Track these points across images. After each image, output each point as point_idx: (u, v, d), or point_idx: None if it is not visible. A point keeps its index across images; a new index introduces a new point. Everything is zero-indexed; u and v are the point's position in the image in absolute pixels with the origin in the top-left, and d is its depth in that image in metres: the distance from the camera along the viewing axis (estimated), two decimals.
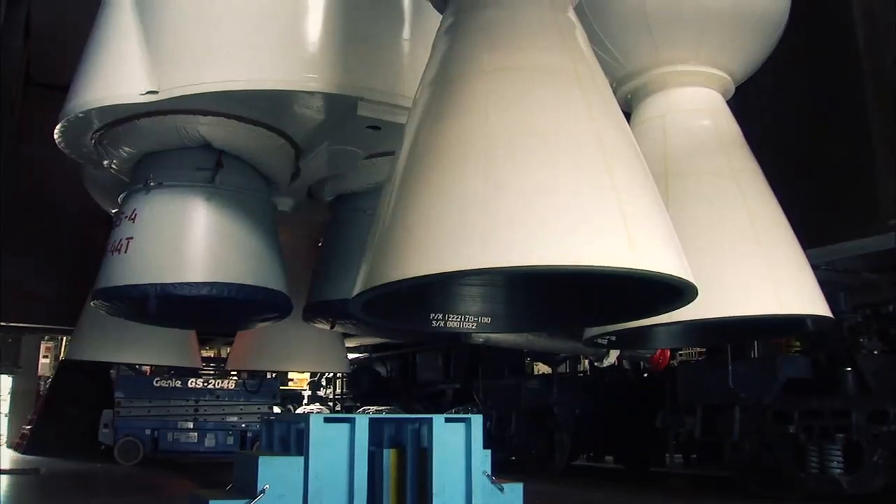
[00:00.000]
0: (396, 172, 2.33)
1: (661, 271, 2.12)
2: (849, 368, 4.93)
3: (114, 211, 4.76)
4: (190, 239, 4.01)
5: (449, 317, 2.78)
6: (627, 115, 3.77)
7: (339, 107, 3.61)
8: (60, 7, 7.94)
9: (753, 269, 3.26)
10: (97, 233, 6.10)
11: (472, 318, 2.85)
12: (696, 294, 2.32)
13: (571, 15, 2.62)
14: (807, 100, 4.79)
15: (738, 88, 3.89)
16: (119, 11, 3.92)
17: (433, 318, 2.78)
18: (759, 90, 4.27)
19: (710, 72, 3.65)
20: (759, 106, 4.63)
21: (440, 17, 2.74)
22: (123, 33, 3.83)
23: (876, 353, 4.93)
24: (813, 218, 4.20)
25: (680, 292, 2.31)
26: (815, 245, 4.05)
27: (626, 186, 2.21)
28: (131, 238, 4.07)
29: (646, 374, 7.53)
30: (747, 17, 3.67)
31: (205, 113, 3.86)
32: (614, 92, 3.72)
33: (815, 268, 3.60)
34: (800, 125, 4.79)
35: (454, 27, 2.53)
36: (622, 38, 3.65)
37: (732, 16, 3.61)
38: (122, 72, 3.75)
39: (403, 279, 2.04)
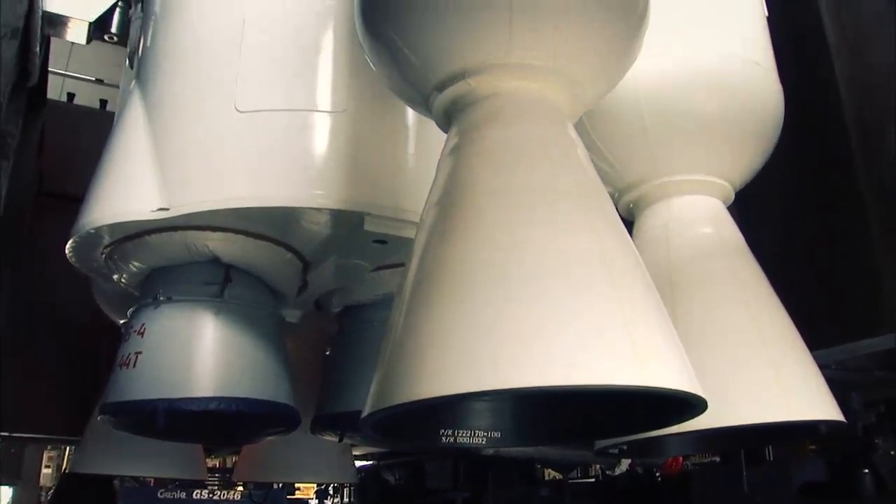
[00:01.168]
0: (405, 293, 2.36)
1: (669, 387, 2.12)
2: (865, 470, 4.87)
3: (121, 322, 4.80)
4: (198, 354, 4.02)
5: (459, 432, 2.77)
6: (630, 224, 3.86)
7: (346, 222, 3.67)
8: (73, 121, 8.22)
9: (762, 375, 3.25)
10: (103, 343, 6.13)
11: (481, 433, 2.84)
12: (706, 407, 2.32)
13: (572, 132, 2.71)
14: (804, 202, 4.88)
15: (737, 193, 3.99)
16: (132, 130, 4.05)
17: (443, 434, 2.77)
18: (758, 194, 4.33)
19: (710, 180, 3.74)
20: (759, 209, 4.70)
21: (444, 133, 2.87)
22: (136, 151, 3.95)
23: (893, 453, 4.89)
24: (818, 320, 4.22)
25: (689, 405, 2.31)
26: (822, 346, 4.06)
27: (630, 303, 2.23)
28: (140, 352, 4.08)
29: (659, 479, 7.44)
30: (744, 125, 3.79)
31: (214, 229, 3.93)
32: (616, 201, 3.82)
33: (824, 367, 3.60)
34: (799, 227, 4.87)
35: (458, 148, 2.61)
36: (621, 149, 3.76)
37: (729, 125, 3.73)
38: (133, 189, 3.85)
39: (414, 401, 2.05)
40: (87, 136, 7.23)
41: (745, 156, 3.88)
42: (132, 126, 4.06)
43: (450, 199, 2.49)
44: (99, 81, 9.46)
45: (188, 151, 3.77)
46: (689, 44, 3.69)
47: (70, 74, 9.32)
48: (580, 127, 2.99)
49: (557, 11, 2.65)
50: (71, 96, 9.04)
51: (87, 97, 9.14)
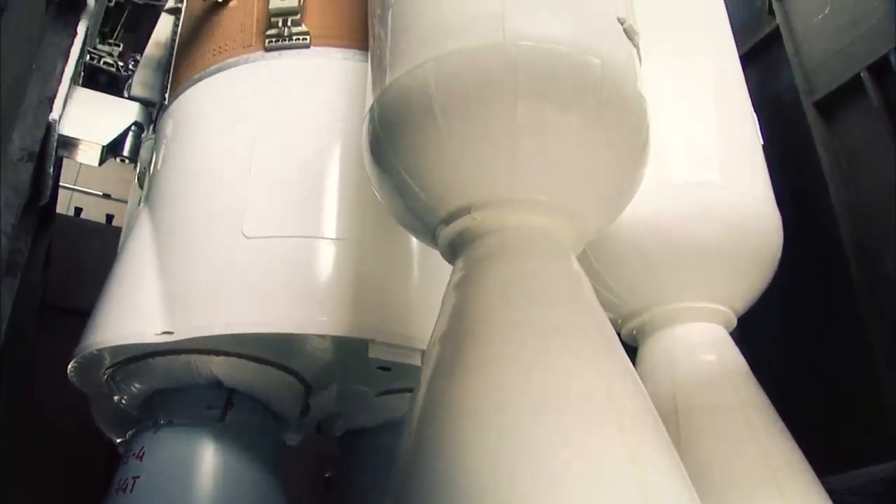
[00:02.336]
0: (411, 430, 2.35)
1: None
2: None
3: (119, 440, 4.73)
4: (197, 481, 3.94)
5: None
6: (634, 350, 3.87)
7: (350, 348, 3.67)
8: (79, 236, 8.29)
9: None
10: (101, 461, 6.00)
11: None
12: None
13: (576, 266, 2.75)
14: (805, 327, 4.89)
15: (739, 318, 4.02)
16: (139, 252, 4.10)
17: None
18: (757, 319, 4.35)
19: (711, 307, 3.78)
20: (760, 334, 4.70)
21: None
22: (142, 274, 3.98)
23: None
24: (826, 446, 4.17)
25: None
26: (832, 473, 4.00)
27: (637, 438, 2.22)
28: (138, 477, 4.00)
29: None
30: (743, 253, 3.85)
31: (217, 353, 3.92)
32: (619, 328, 3.84)
33: (835, 493, 3.54)
34: (801, 352, 4.87)
35: (464, 282, 2.64)
36: (623, 276, 3.81)
37: (729, 253, 3.80)
38: (138, 312, 3.86)
39: None
40: (93, 251, 7.30)
41: (745, 282, 3.93)
42: (139, 248, 4.11)
43: (456, 334, 2.51)
44: (106, 196, 9.61)
45: (194, 276, 3.80)
46: (688, 174, 3.79)
47: (78, 189, 9.48)
48: (582, 253, 3.03)
49: (561, 149, 2.74)
50: (78, 211, 9.17)
51: (94, 211, 9.27)
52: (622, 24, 2.97)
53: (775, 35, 5.26)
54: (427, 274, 3.75)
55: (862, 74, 4.50)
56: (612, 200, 3.04)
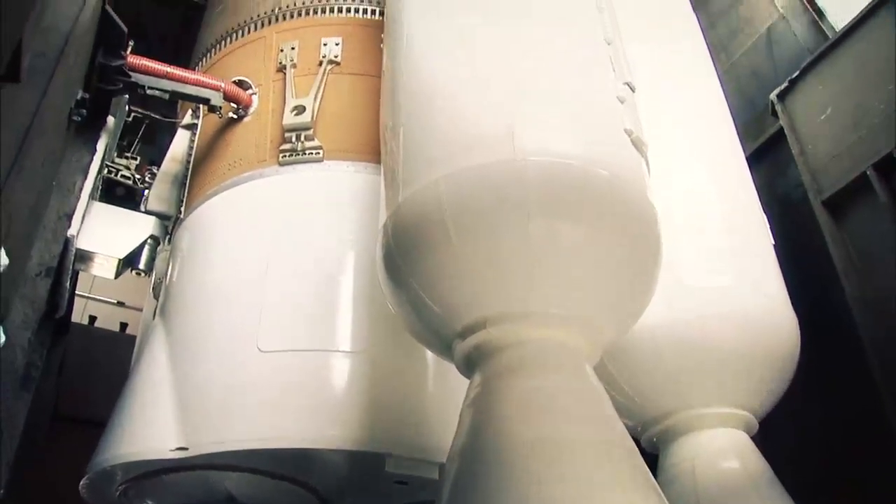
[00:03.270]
0: None
1: None
2: None
3: None
4: None
5: None
6: (654, 458, 3.79)
7: (366, 462, 3.61)
8: (93, 344, 8.29)
9: None
10: None
11: None
12: None
13: (594, 379, 2.72)
14: (828, 426, 4.80)
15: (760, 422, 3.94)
16: (153, 366, 4.09)
17: None
18: (779, 420, 4.27)
19: (731, 412, 3.71)
20: (781, 436, 4.61)
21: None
22: (156, 388, 3.97)
23: None
24: None
25: None
26: None
27: None
28: None
29: None
30: (761, 355, 3.80)
31: (232, 468, 3.86)
32: (639, 435, 3.77)
33: None
34: (822, 449, 4.77)
35: (482, 398, 2.62)
36: (640, 383, 3.76)
37: (746, 356, 3.75)
38: (152, 427, 3.82)
39: None
40: (106, 359, 7.29)
41: (765, 385, 3.87)
42: (153, 362, 4.11)
43: (475, 450, 2.47)
44: (120, 304, 9.65)
45: (209, 391, 3.78)
46: (701, 278, 3.79)
47: (92, 297, 9.54)
48: (600, 364, 3.01)
49: (574, 262, 2.75)
50: (93, 319, 9.20)
51: (107, 319, 9.30)
52: (630, 135, 3.03)
53: (780, 135, 5.34)
54: (442, 385, 3.72)
55: (868, 172, 4.53)
56: (627, 310, 3.03)
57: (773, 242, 4.37)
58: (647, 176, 3.09)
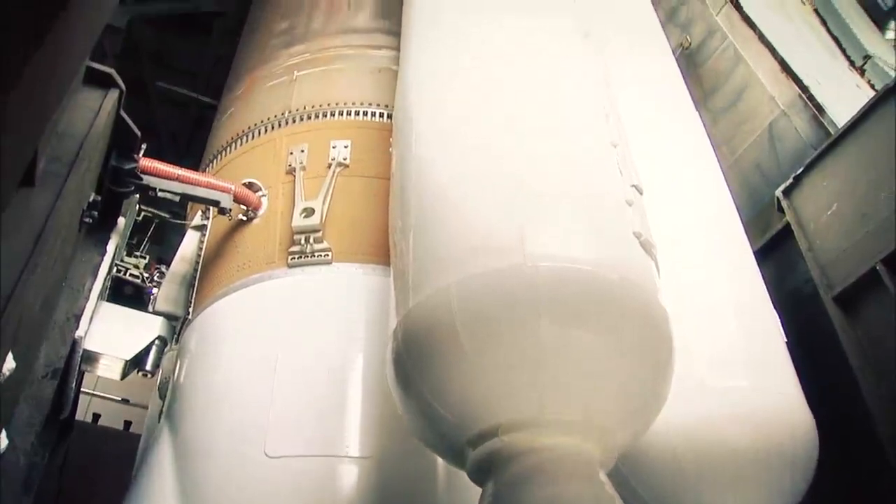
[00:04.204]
0: None
1: None
2: None
3: None
4: None
5: None
6: None
7: None
8: (97, 442, 8.18)
9: None
10: None
11: None
12: None
13: (609, 488, 2.66)
14: None
15: None
16: (158, 473, 4.01)
17: None
18: None
19: None
20: None
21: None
22: (160, 496, 3.88)
23: None
24: None
25: None
26: None
27: None
28: None
29: None
30: (778, 455, 3.72)
31: None
32: None
33: None
34: None
35: None
36: (655, 486, 3.67)
37: (764, 457, 3.66)
38: None
39: None
40: (110, 458, 7.18)
41: (783, 487, 3.77)
42: (158, 468, 4.03)
43: None
44: (125, 402, 9.57)
45: (215, 498, 3.70)
46: (716, 379, 3.74)
47: (96, 394, 9.46)
48: (614, 469, 2.94)
49: (586, 367, 2.72)
50: (96, 417, 9.11)
51: (112, 416, 9.21)
52: (639, 238, 3.04)
53: (787, 231, 5.35)
54: (453, 492, 3.63)
55: (878, 267, 4.52)
56: (641, 414, 2.98)
57: (786, 339, 4.33)
58: (657, 278, 3.09)
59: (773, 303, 4.48)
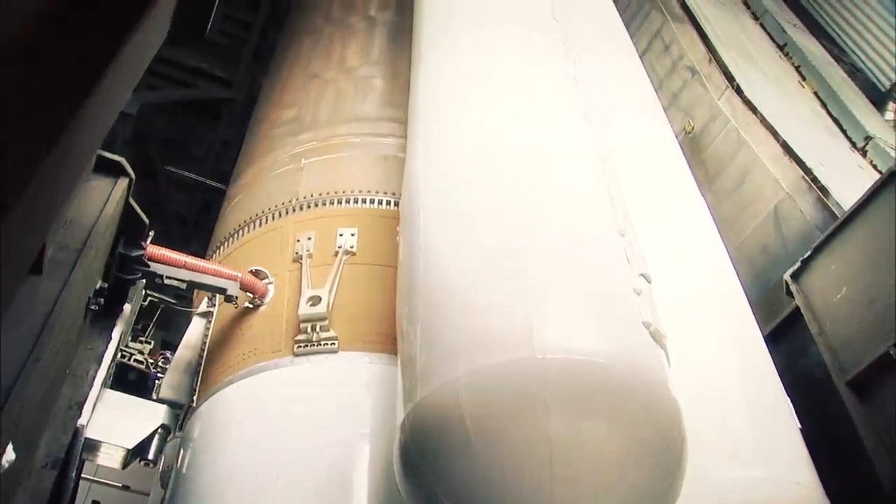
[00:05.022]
0: None
1: None
2: None
3: None
4: None
5: None
6: None
7: None
8: None
9: None
10: None
11: None
12: None
13: None
14: None
15: None
16: None
17: None
18: None
19: None
20: None
21: None
22: None
23: None
24: None
25: None
26: None
27: None
28: None
29: None
30: None
31: None
32: None
33: None
34: None
35: None
36: None
37: None
38: None
39: None
40: None
41: None
42: None
43: None
44: (125, 488, 9.40)
45: None
46: (729, 470, 3.66)
47: (97, 480, 9.29)
48: None
49: (597, 459, 2.66)
50: None
51: None
52: (648, 328, 3.01)
53: (796, 314, 5.31)
54: None
55: (891, 352, 4.47)
56: None
57: (800, 426, 4.24)
58: (668, 368, 3.05)
59: (785, 388, 4.41)
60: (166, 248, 4.61)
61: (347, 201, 5.02)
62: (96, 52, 1.83)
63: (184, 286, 4.64)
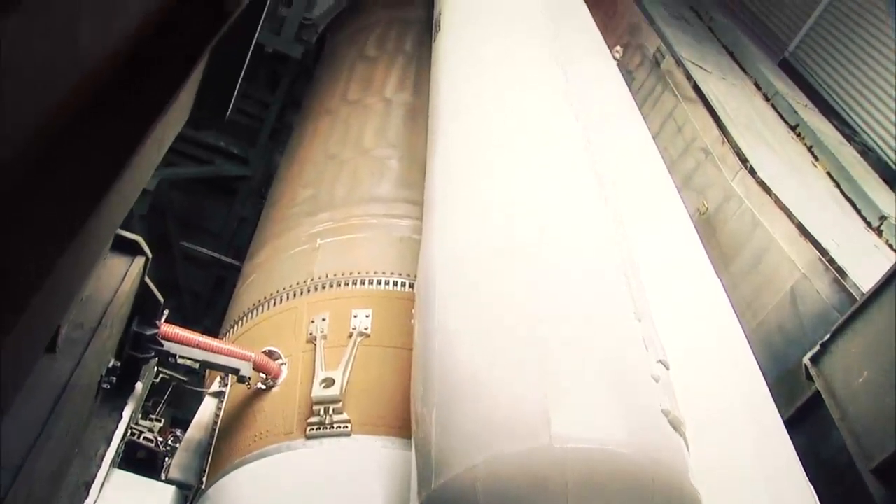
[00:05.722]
0: None
1: None
2: None
3: None
4: None
5: None
6: None
7: None
8: None
9: None
10: None
11: None
12: None
13: None
14: None
15: None
16: None
17: None
18: None
19: None
20: None
21: None
22: None
23: None
24: None
25: None
26: None
27: None
28: None
29: None
30: None
31: None
32: None
33: None
34: None
35: None
36: None
37: None
38: None
39: None
40: None
41: None
42: None
43: None
44: None
45: None
46: None
47: None
48: None
49: None
50: None
51: None
52: (667, 416, 2.96)
53: (817, 398, 5.22)
54: None
55: None
56: None
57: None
58: (688, 457, 2.98)
59: (807, 474, 4.30)
60: (179, 323, 4.60)
61: (362, 282, 5.01)
62: (120, 141, 1.86)
63: (196, 366, 4.61)
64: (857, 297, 5.31)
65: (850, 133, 10.71)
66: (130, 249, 4.28)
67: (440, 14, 6.37)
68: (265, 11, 2.83)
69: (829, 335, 5.23)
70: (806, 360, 5.33)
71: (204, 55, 2.22)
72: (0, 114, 1.30)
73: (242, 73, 2.75)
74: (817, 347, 5.27)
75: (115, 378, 4.27)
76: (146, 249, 4.31)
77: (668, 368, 3.19)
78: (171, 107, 2.06)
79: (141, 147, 1.92)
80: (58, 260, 1.69)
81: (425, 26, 7.94)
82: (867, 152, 10.40)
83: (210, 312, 11.42)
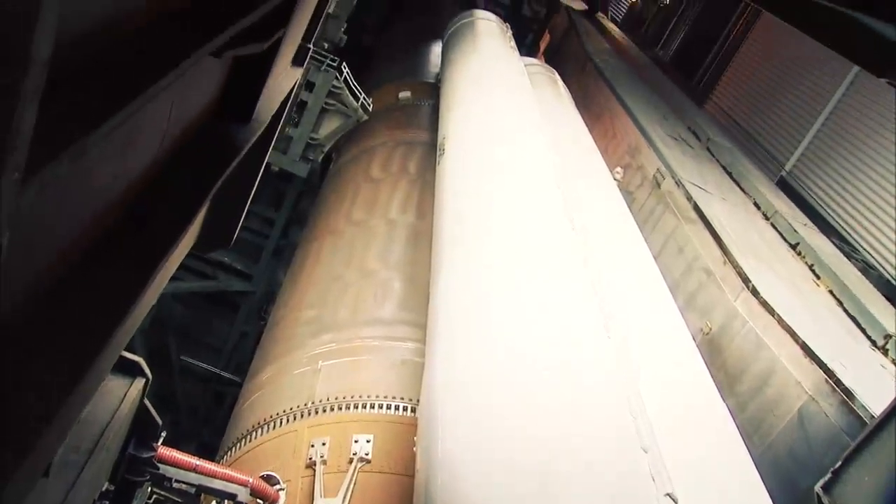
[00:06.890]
0: None
1: None
2: None
3: None
4: None
5: None
6: None
7: None
8: None
9: None
10: None
11: None
12: None
13: None
14: None
15: None
16: None
17: None
18: None
19: None
20: None
21: None
22: None
23: None
24: None
25: None
26: None
27: None
28: None
29: None
30: None
31: None
32: None
33: None
34: None
35: None
36: None
37: None
38: None
39: None
40: None
41: None
42: None
43: None
44: None
45: None
46: None
47: None
48: None
49: None
50: None
51: None
52: None
53: None
54: None
55: None
56: None
57: None
58: None
59: None
60: (176, 437, 4.52)
61: (364, 406, 4.94)
62: (129, 280, 1.87)
63: (193, 490, 4.50)
64: (867, 420, 5.20)
65: (849, 251, 10.75)
66: (131, 370, 4.23)
67: (444, 138, 6.52)
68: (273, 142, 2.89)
69: (840, 462, 5.09)
70: (818, 488, 5.17)
71: (211, 193, 2.26)
72: (15, 259, 1.31)
73: (247, 206, 2.79)
74: (829, 475, 5.12)
75: (107, 502, 4.15)
76: (147, 371, 4.27)
77: (675, 501, 3.11)
78: (179, 242, 2.08)
79: (150, 282, 1.93)
80: (67, 398, 1.68)
81: (429, 149, 8.11)
82: (868, 270, 10.43)
83: (208, 427, 11.23)
